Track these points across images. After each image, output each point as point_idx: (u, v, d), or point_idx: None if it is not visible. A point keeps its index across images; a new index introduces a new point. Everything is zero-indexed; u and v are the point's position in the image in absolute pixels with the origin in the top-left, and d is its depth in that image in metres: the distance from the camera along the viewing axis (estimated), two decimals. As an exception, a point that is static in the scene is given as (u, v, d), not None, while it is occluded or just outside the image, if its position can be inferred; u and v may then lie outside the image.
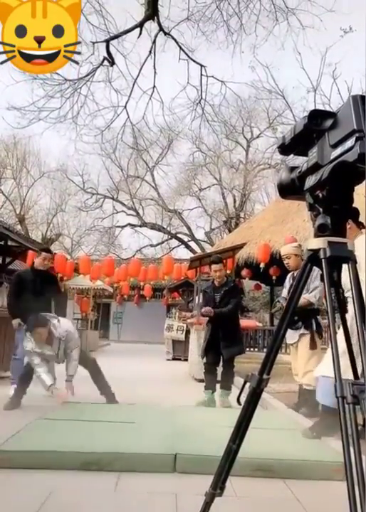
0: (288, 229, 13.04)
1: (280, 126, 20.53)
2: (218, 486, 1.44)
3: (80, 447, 2.89)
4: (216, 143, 22.70)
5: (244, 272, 14.29)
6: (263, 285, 18.27)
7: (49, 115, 10.46)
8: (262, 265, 12.31)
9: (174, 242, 29.45)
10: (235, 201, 27.81)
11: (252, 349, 15.50)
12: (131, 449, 2.91)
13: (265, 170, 26.48)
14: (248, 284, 18.37)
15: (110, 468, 2.74)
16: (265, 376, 1.42)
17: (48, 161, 29.16)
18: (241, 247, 13.27)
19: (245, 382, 1.46)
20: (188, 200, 29.22)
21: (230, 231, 24.30)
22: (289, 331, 4.64)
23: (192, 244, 28.31)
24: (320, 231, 1.37)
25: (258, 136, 26.60)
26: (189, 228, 28.58)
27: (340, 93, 14.62)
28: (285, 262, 5.04)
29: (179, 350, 12.14)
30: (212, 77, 11.20)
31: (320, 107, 14.17)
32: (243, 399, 1.46)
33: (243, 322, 15.62)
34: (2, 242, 9.17)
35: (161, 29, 10.19)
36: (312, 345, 4.53)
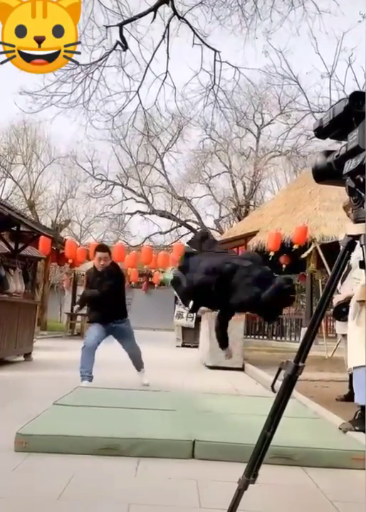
0: (299, 217, 12.97)
1: (292, 113, 20.23)
2: (252, 474, 1.43)
3: (100, 432, 2.90)
4: (227, 130, 22.49)
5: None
6: (272, 274, 18.22)
7: (61, 100, 10.43)
8: (272, 254, 12.27)
9: (184, 230, 29.44)
10: (245, 189, 27.66)
11: (261, 337, 15.52)
12: (150, 434, 2.91)
13: (275, 157, 26.26)
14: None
15: (130, 453, 2.75)
16: (300, 364, 1.40)
17: (58, 147, 29.10)
18: (253, 235, 13.23)
19: (279, 370, 1.45)
20: (197, 188, 29.16)
21: (239, 219, 24.22)
22: (339, 323, 4.43)
23: (201, 232, 28.20)
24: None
25: (269, 123, 26.31)
26: (198, 216, 28.51)
27: (356, 79, 14.30)
28: None
29: (188, 337, 12.17)
30: (226, 62, 11.08)
31: (335, 93, 13.91)
32: (277, 386, 1.44)
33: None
34: (15, 228, 9.21)
35: (175, 13, 10.06)
36: None
